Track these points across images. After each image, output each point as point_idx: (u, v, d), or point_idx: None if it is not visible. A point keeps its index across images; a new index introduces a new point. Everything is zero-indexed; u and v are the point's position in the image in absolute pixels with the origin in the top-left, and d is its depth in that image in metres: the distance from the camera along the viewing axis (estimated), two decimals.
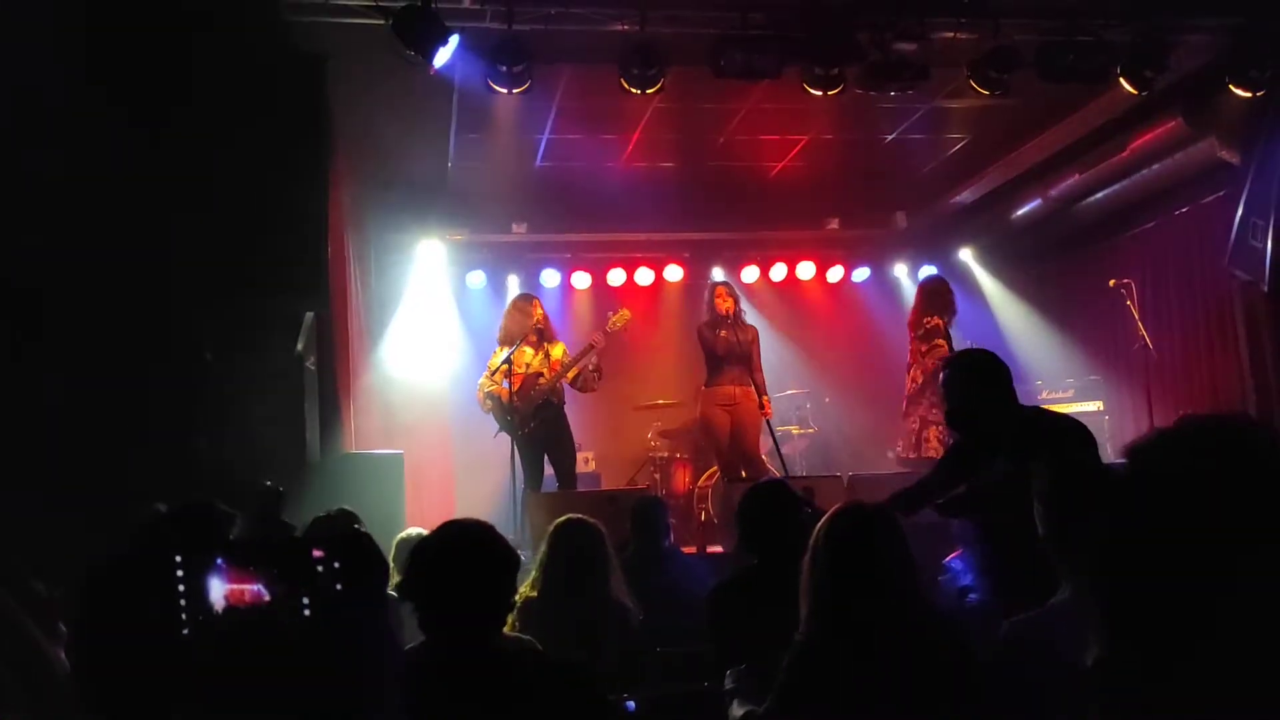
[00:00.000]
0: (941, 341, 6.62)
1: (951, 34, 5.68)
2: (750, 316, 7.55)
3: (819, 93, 5.68)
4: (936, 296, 6.86)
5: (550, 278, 9.81)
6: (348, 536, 0.94)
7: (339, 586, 0.97)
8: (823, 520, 2.27)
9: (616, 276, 10.00)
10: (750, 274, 10.02)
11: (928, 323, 6.70)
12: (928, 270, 9.79)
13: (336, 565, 0.98)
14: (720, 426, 7.10)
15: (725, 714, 2.28)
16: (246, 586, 1.00)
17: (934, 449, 6.40)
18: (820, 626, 2.16)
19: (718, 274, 9.79)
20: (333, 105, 5.70)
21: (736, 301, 7.16)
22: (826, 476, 6.76)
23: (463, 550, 2.00)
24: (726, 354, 7.04)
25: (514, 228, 9.32)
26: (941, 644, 2.18)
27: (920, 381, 6.68)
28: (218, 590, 1.02)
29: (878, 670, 2.09)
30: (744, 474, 6.88)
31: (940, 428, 6.40)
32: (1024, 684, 2.11)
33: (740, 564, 3.61)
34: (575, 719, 2.06)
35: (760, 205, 9.13)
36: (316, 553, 1.03)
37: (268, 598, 0.99)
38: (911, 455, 6.66)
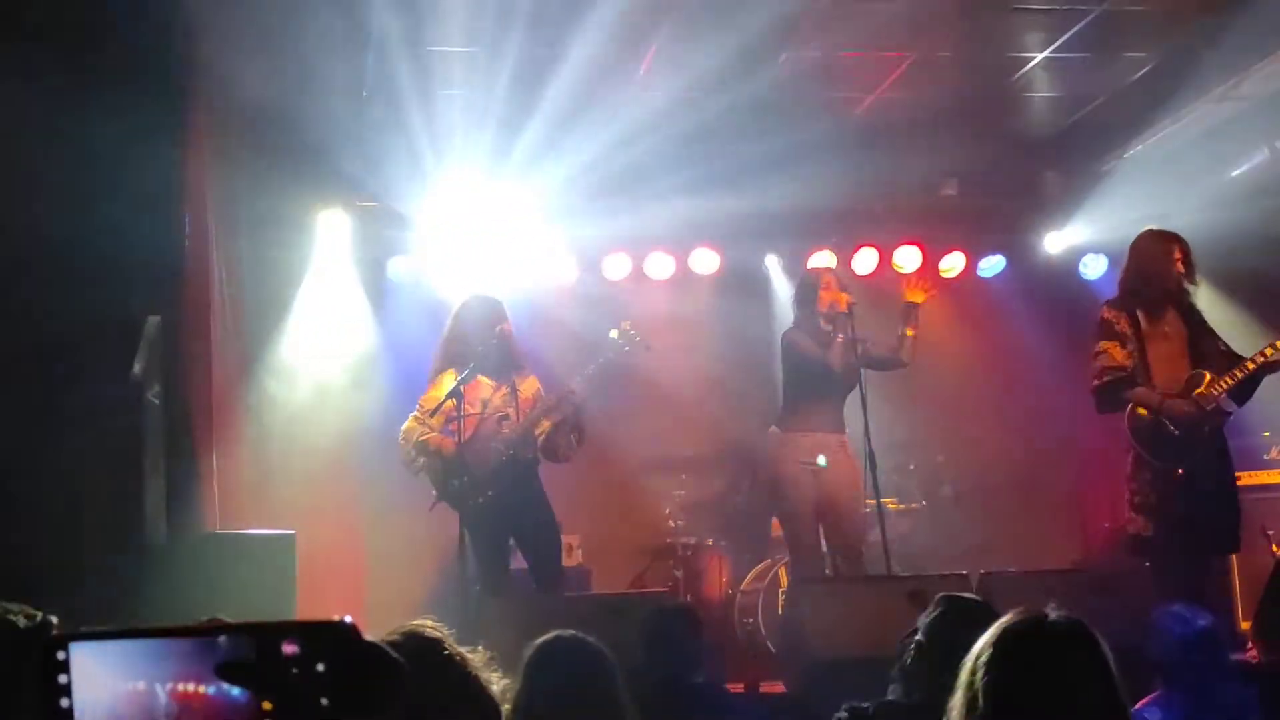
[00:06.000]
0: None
1: None
2: None
3: None
4: None
5: None
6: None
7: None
8: (983, 643, 2.24)
9: (617, 266, 9.99)
10: (820, 262, 9.99)
11: None
12: (1097, 259, 9.83)
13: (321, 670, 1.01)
14: (803, 496, 7.00)
15: None
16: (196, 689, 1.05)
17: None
18: None
19: (772, 261, 9.85)
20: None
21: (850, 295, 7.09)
22: (946, 575, 6.72)
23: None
24: (828, 379, 6.96)
25: None
26: None
27: None
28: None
29: None
30: (837, 569, 6.82)
31: None
32: None
33: None
34: None
35: (837, 158, 9.10)
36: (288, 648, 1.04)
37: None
38: None
